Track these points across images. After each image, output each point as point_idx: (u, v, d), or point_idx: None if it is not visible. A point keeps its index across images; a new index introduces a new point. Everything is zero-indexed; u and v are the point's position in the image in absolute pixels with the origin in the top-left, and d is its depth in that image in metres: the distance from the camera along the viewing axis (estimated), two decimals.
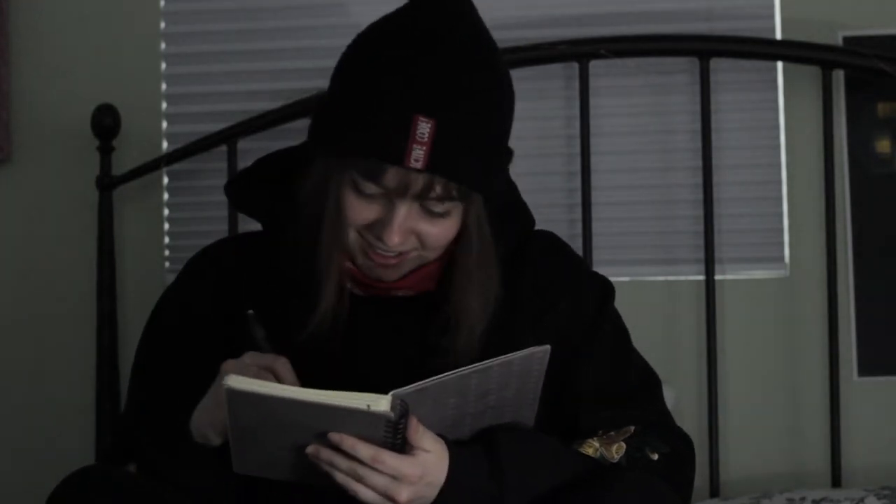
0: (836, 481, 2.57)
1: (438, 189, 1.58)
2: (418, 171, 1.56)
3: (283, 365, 1.63)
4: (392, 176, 1.58)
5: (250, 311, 1.68)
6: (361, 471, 1.49)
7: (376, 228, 1.62)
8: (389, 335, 1.70)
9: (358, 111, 1.58)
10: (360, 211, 1.62)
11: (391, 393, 1.46)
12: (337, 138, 1.60)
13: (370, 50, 1.63)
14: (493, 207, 1.67)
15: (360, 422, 1.48)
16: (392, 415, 1.46)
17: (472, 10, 1.66)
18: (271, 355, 1.64)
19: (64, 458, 2.73)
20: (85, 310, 2.80)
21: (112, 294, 2.76)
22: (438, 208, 1.61)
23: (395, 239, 1.60)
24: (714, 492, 2.59)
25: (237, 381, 1.48)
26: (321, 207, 1.64)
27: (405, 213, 1.60)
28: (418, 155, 1.55)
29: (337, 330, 1.69)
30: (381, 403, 1.46)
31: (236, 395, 1.49)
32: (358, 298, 1.71)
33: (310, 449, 1.51)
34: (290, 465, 1.55)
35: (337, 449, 1.50)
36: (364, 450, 1.49)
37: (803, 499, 2.38)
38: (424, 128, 1.55)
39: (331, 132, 1.62)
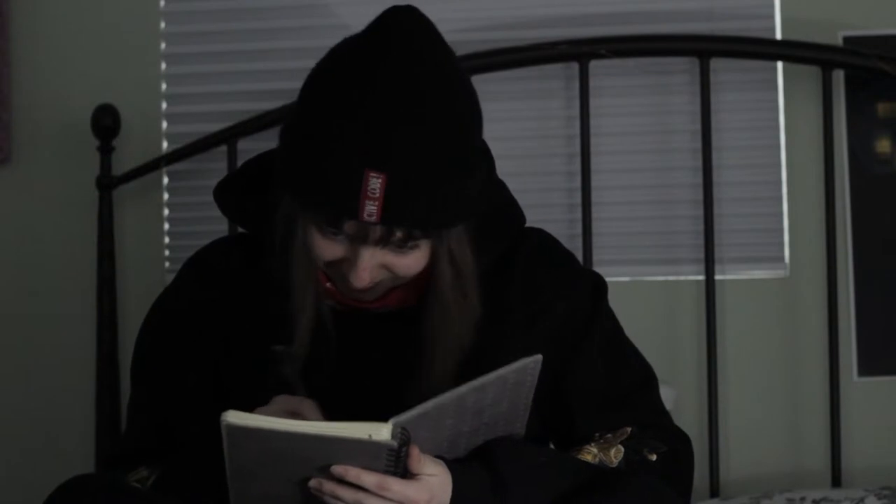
0: (836, 481, 2.57)
1: (399, 234, 1.57)
2: (374, 224, 1.55)
3: (308, 407, 1.60)
4: (350, 226, 1.57)
5: (278, 347, 1.66)
6: (367, 501, 1.48)
7: (345, 266, 1.61)
8: (370, 352, 1.69)
9: (312, 163, 1.56)
10: (327, 249, 1.60)
11: (391, 421, 1.45)
12: (295, 189, 1.58)
13: (323, 91, 1.58)
14: (474, 224, 1.64)
15: (361, 452, 1.46)
16: (394, 443, 1.45)
17: (425, 39, 1.59)
18: (297, 398, 1.62)
19: (64, 459, 2.74)
20: (85, 309, 2.80)
21: (112, 294, 2.76)
22: (404, 245, 1.59)
23: (363, 280, 1.59)
24: (714, 492, 2.59)
25: (235, 417, 1.46)
26: (291, 237, 1.62)
27: (369, 255, 1.59)
28: (371, 210, 1.53)
29: (318, 346, 1.66)
30: (382, 432, 1.44)
31: (235, 431, 1.46)
32: (339, 314, 1.69)
33: (312, 482, 1.49)
34: (290, 502, 1.53)
35: (339, 481, 1.48)
36: (369, 478, 1.47)
37: (803, 499, 2.38)
38: (375, 183, 1.53)
39: (289, 179, 1.59)
